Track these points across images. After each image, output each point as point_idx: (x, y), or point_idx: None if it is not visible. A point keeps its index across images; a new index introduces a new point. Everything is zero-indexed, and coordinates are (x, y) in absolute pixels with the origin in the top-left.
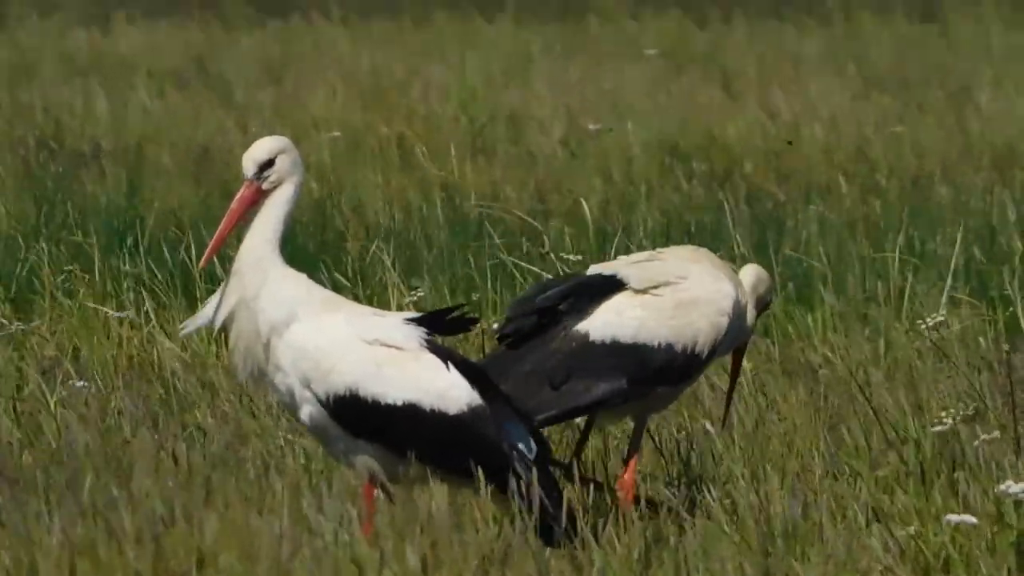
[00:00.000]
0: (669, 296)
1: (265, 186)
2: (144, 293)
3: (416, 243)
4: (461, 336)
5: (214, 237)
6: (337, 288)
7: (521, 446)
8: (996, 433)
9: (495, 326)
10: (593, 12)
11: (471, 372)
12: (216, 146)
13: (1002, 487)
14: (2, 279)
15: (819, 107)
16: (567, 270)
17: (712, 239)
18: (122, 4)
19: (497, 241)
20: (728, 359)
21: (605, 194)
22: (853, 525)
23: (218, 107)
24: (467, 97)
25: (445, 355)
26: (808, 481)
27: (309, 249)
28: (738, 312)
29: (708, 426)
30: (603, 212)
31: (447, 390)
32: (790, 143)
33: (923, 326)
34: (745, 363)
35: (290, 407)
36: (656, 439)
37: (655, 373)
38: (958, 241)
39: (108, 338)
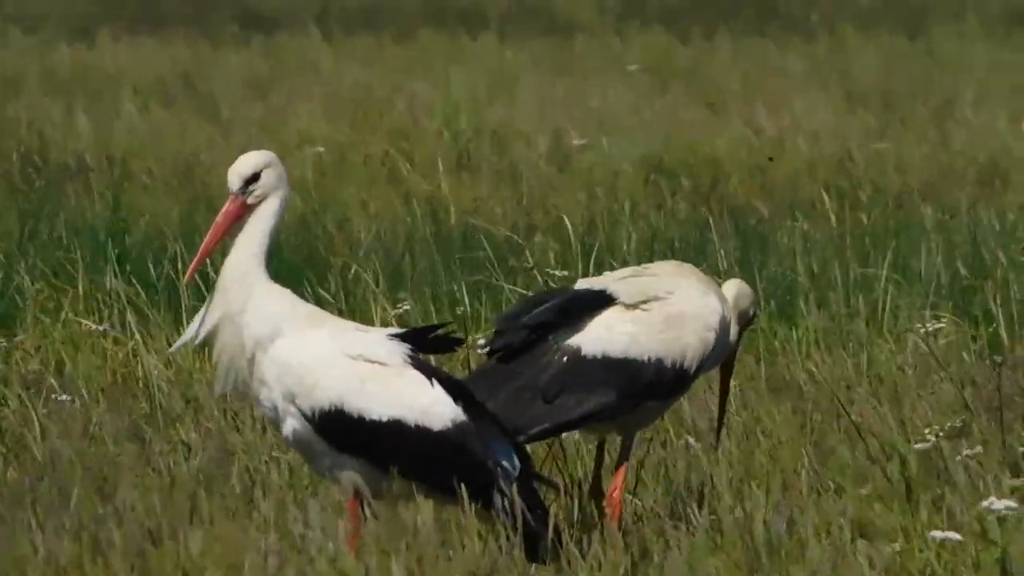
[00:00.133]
0: (658, 311)
1: (250, 201)
2: (128, 308)
3: (400, 258)
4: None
5: (199, 251)
6: (321, 303)
7: (505, 463)
8: (980, 449)
9: (480, 341)
10: (577, 28)
11: (455, 388)
12: (201, 161)
13: (986, 503)
14: None
15: (803, 123)
16: (552, 285)
17: (696, 255)
18: (107, 20)
19: (481, 256)
20: (715, 375)
21: (589, 210)
22: (838, 541)
23: (203, 123)
24: (452, 113)
25: (429, 371)
26: (793, 497)
27: (293, 264)
28: (724, 327)
29: (692, 442)
30: (587, 228)
31: (431, 406)
32: (772, 159)
33: (921, 329)
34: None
35: (274, 422)
36: (641, 455)
37: (645, 387)
38: (941, 257)
39: (92, 353)
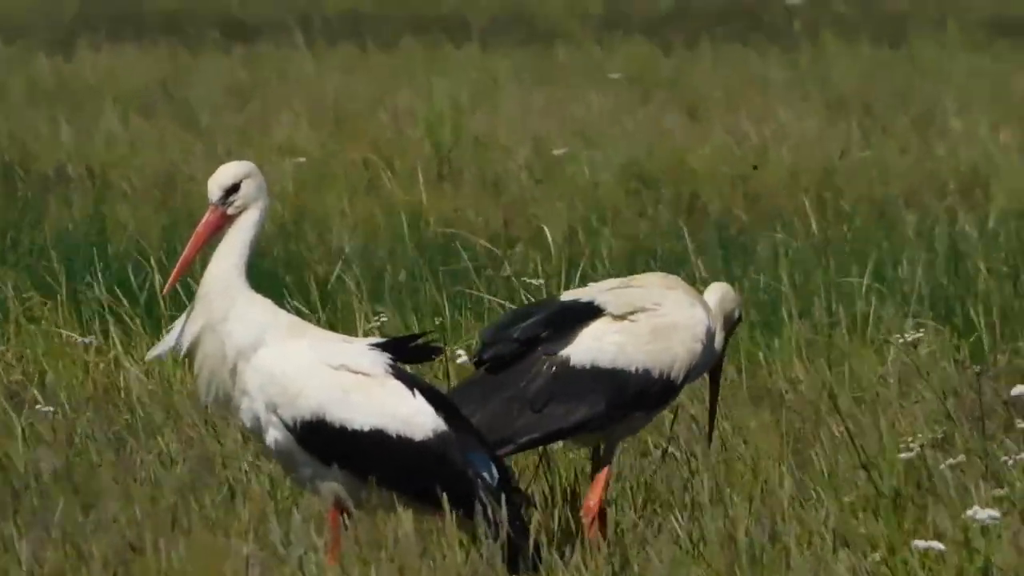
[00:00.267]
0: (645, 322)
1: (230, 211)
2: (110, 318)
3: (381, 268)
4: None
5: (179, 262)
6: (301, 313)
7: (484, 473)
8: (963, 457)
9: (459, 351)
10: (559, 38)
11: (435, 399)
12: (181, 171)
13: (970, 513)
14: None
15: (785, 132)
16: (531, 296)
17: (678, 264)
18: (86, 29)
19: (462, 266)
20: (700, 383)
21: (570, 219)
22: (820, 551)
23: (183, 132)
24: (433, 122)
25: (410, 381)
26: (775, 506)
27: (274, 274)
28: (710, 338)
29: (672, 451)
30: (568, 237)
31: (412, 416)
32: (755, 168)
33: (900, 340)
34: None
35: (255, 432)
36: (621, 465)
37: (634, 397)
38: (923, 266)
39: (74, 363)
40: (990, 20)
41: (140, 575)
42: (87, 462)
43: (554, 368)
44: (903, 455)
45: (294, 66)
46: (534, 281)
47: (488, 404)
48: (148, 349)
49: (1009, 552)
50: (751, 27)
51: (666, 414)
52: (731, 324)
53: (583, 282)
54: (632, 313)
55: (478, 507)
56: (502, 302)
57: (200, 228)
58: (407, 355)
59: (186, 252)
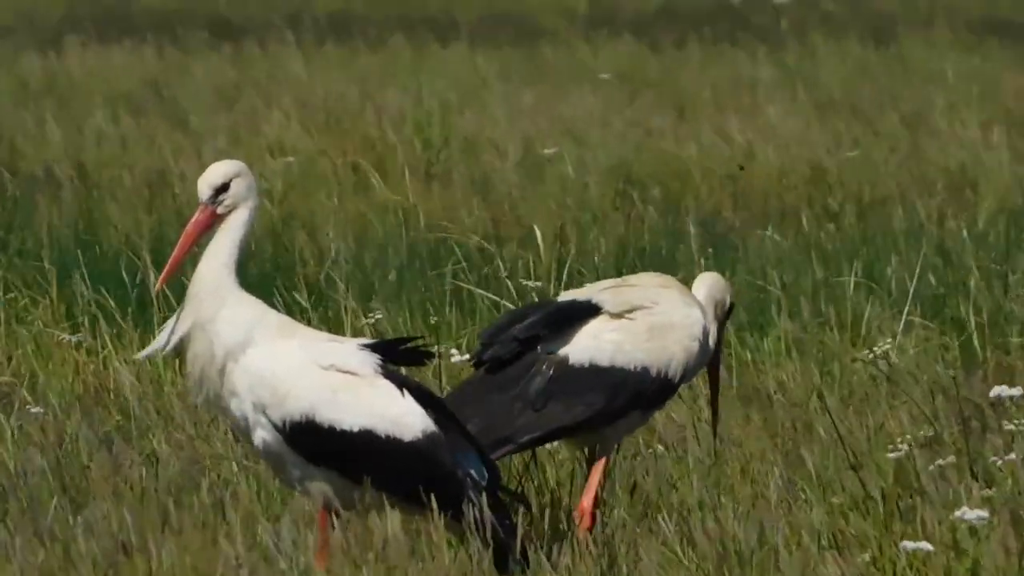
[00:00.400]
0: (642, 320)
1: (220, 210)
2: (100, 318)
3: (371, 268)
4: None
5: (169, 261)
6: (292, 313)
7: (473, 473)
8: (952, 458)
9: (452, 351)
10: (548, 37)
11: (425, 398)
12: (171, 170)
13: (958, 513)
14: None
15: (774, 132)
16: (520, 295)
17: (666, 264)
18: (75, 29)
19: (453, 267)
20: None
21: (560, 219)
22: (809, 551)
23: (173, 132)
24: (422, 122)
25: (400, 381)
26: (763, 507)
27: (264, 273)
28: (706, 336)
29: (662, 451)
30: (557, 237)
31: (401, 416)
32: (741, 168)
33: (870, 355)
34: (700, 389)
35: (244, 432)
36: (610, 466)
37: (632, 395)
38: (912, 265)
39: (64, 364)
40: (979, 20)
41: None
42: (77, 463)
43: (553, 367)
44: (892, 456)
45: (283, 66)
46: (530, 283)
47: (488, 404)
48: (139, 349)
49: (997, 553)
50: (739, 26)
51: (657, 415)
52: (723, 312)
53: (572, 281)
54: (629, 311)
55: (466, 507)
56: (495, 298)
57: (190, 227)
58: (397, 357)
59: (176, 251)
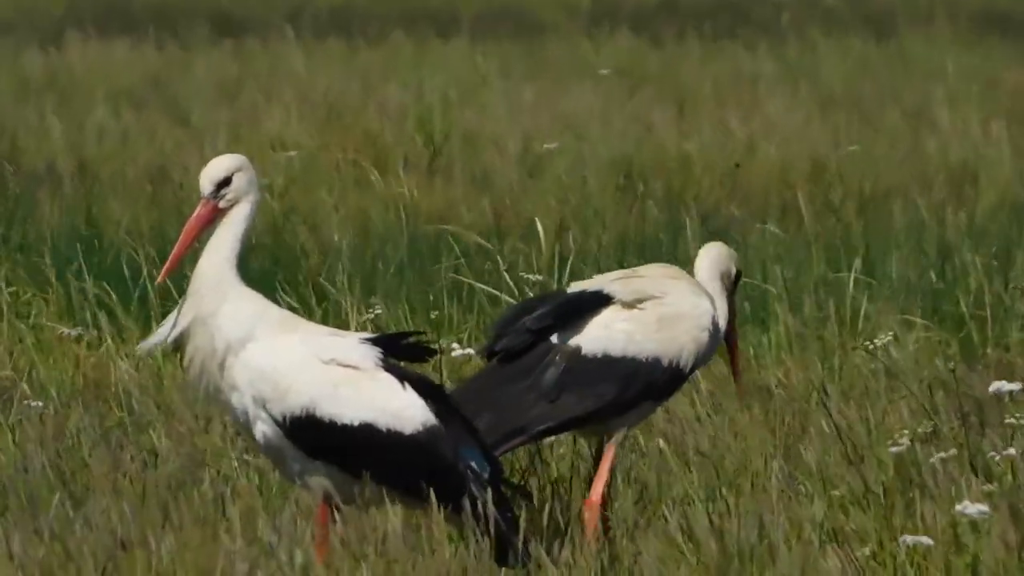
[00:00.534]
0: (652, 311)
1: (222, 204)
2: (101, 312)
3: (372, 262)
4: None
5: (171, 255)
6: (293, 308)
7: (475, 465)
8: (952, 452)
9: (453, 345)
10: (548, 32)
11: (427, 391)
12: (172, 166)
13: (958, 507)
14: None
15: (774, 126)
16: (526, 290)
17: (667, 258)
18: (77, 24)
19: (454, 260)
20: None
21: (561, 213)
22: (809, 545)
23: (174, 127)
24: (423, 116)
25: (400, 375)
26: (764, 502)
27: (265, 268)
28: (715, 326)
29: (663, 446)
30: (558, 231)
31: (403, 410)
32: (737, 166)
33: (871, 347)
34: (700, 383)
35: (244, 426)
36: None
37: (643, 385)
38: (912, 260)
39: (64, 358)
40: (980, 15)
41: (129, 571)
42: (77, 458)
43: (566, 358)
44: (892, 450)
45: (284, 61)
46: (532, 276)
47: (501, 395)
48: (138, 343)
49: (997, 547)
50: (740, 21)
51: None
52: (731, 282)
53: (572, 276)
54: (640, 301)
55: (467, 501)
56: (495, 293)
57: (191, 221)
58: (399, 352)
59: (178, 245)
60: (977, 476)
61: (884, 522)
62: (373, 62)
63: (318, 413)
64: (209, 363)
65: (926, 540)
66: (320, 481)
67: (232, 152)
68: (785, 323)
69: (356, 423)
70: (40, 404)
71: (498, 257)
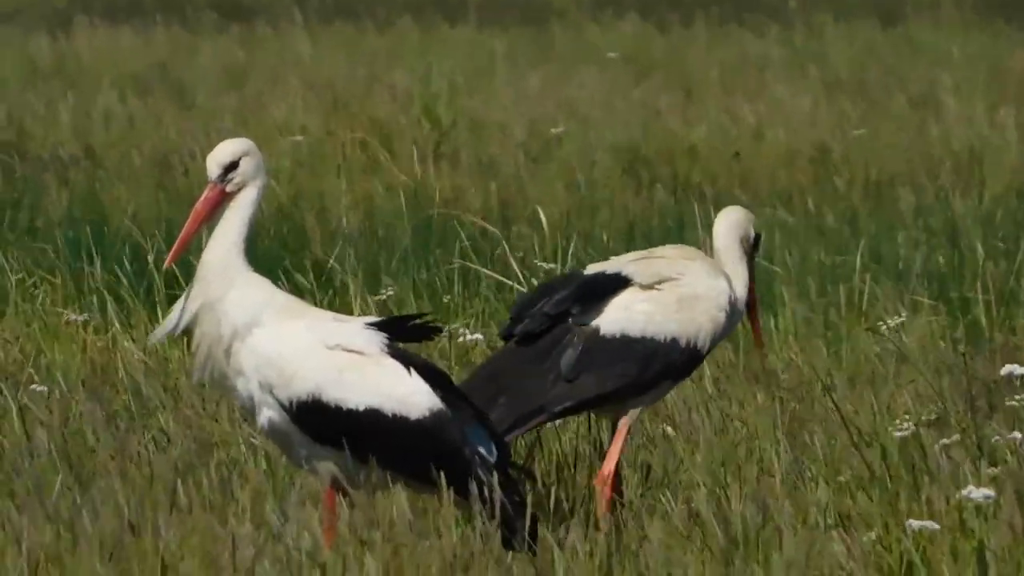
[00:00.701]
0: (671, 292)
1: (229, 188)
2: (108, 297)
3: (378, 248)
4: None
5: (178, 239)
6: (300, 292)
7: (482, 450)
8: (957, 437)
9: (460, 329)
10: (555, 17)
11: (433, 376)
12: (179, 151)
13: (964, 492)
14: None
15: (781, 112)
16: (531, 276)
17: (674, 243)
18: (84, 10)
19: (460, 245)
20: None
21: (567, 198)
22: (815, 530)
23: (181, 112)
24: (430, 102)
25: (406, 360)
26: (769, 486)
27: (272, 253)
28: (732, 306)
29: (668, 430)
30: (565, 217)
31: (408, 395)
32: (737, 154)
33: (883, 327)
34: (707, 369)
35: (250, 412)
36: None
37: (662, 365)
38: (919, 245)
39: (71, 343)
40: (986, 1)
41: (136, 556)
42: (84, 442)
43: (585, 338)
44: (897, 435)
45: (291, 46)
46: (545, 264)
47: (521, 375)
48: (146, 328)
49: (1003, 532)
50: (747, 6)
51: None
52: (750, 246)
53: (578, 261)
54: (659, 283)
55: (474, 485)
56: (501, 279)
57: (199, 205)
58: (405, 334)
59: (185, 229)
60: (983, 460)
61: (890, 507)
62: (380, 47)
63: (324, 398)
64: (215, 348)
65: (932, 525)
66: (327, 466)
67: (239, 137)
68: (792, 308)
69: (362, 408)
70: (47, 389)
71: (505, 244)
